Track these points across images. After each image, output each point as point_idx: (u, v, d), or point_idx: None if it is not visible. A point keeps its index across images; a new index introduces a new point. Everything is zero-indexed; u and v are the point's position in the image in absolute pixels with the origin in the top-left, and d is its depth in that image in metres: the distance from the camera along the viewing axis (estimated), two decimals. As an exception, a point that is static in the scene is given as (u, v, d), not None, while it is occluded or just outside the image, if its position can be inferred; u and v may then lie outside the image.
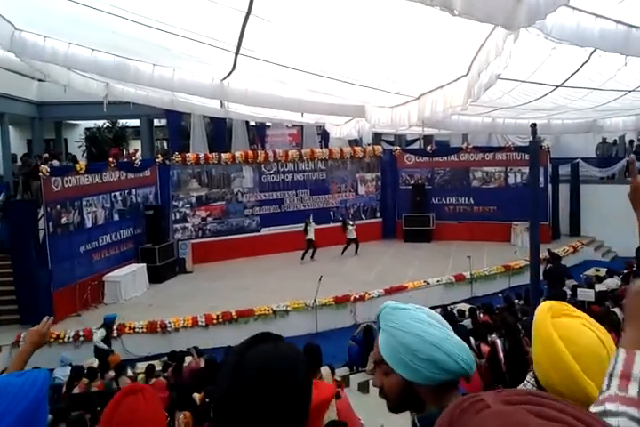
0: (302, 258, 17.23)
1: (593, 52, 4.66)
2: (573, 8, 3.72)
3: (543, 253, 12.58)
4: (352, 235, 17.78)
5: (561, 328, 1.54)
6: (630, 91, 6.21)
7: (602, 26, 3.96)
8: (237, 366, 1.21)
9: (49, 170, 13.08)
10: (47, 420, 1.38)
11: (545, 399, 0.81)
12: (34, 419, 1.28)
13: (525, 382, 3.21)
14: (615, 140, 20.68)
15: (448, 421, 0.85)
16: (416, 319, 1.44)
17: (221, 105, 7.87)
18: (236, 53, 4.31)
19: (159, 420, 1.91)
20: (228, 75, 5.42)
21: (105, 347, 10.45)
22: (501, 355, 7.03)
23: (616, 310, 9.68)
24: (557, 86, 5.82)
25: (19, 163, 17.80)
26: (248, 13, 3.26)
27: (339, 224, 18.34)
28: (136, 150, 20.65)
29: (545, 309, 1.60)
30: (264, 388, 1.18)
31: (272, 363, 1.21)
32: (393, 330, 1.45)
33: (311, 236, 17.27)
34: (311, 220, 17.45)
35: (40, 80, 18.15)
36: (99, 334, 10.40)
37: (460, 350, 1.41)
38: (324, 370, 5.39)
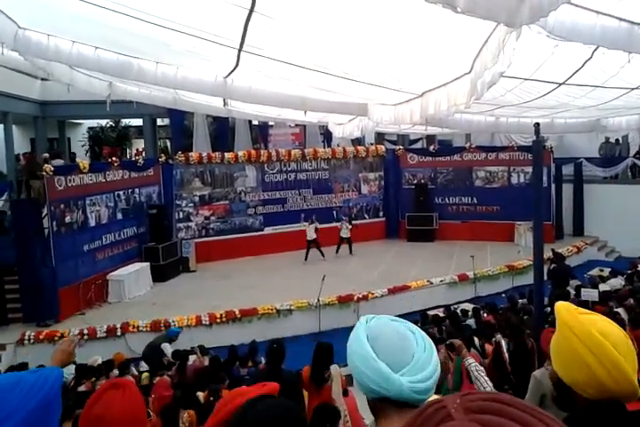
0: (305, 259, 17.23)
1: (596, 50, 4.66)
2: (575, 5, 3.73)
3: (547, 253, 12.56)
4: (346, 234, 17.75)
5: (593, 324, 1.57)
6: (633, 88, 6.20)
7: (604, 23, 3.96)
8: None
9: (52, 169, 13.12)
10: (59, 417, 1.38)
11: (507, 406, 0.79)
12: (45, 416, 1.28)
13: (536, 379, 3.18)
14: (618, 140, 20.62)
15: None
16: (354, 330, 1.52)
17: (224, 104, 7.88)
18: (239, 50, 4.32)
19: (137, 417, 1.86)
20: (232, 72, 5.43)
21: (171, 360, 10.23)
22: (506, 355, 7.01)
23: (620, 310, 9.68)
24: (560, 84, 5.82)
25: (22, 161, 17.83)
26: (251, 10, 3.27)
27: (341, 223, 18.32)
28: (140, 150, 20.64)
29: (566, 307, 1.63)
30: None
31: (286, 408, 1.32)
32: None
33: (309, 237, 17.22)
34: (311, 220, 17.38)
35: (43, 79, 18.17)
36: (168, 349, 10.26)
37: (364, 365, 1.42)
38: (334, 369, 5.40)
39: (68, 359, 2.40)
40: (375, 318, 1.55)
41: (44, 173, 12.89)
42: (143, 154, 18.47)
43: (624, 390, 1.49)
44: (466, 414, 0.78)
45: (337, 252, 17.79)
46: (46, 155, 16.29)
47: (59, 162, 16.02)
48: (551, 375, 1.70)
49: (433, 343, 1.52)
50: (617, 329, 1.58)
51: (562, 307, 1.65)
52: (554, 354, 1.66)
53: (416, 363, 1.43)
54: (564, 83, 5.78)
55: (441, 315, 11.53)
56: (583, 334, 1.55)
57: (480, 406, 0.79)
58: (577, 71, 5.32)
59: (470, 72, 4.50)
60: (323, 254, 17.26)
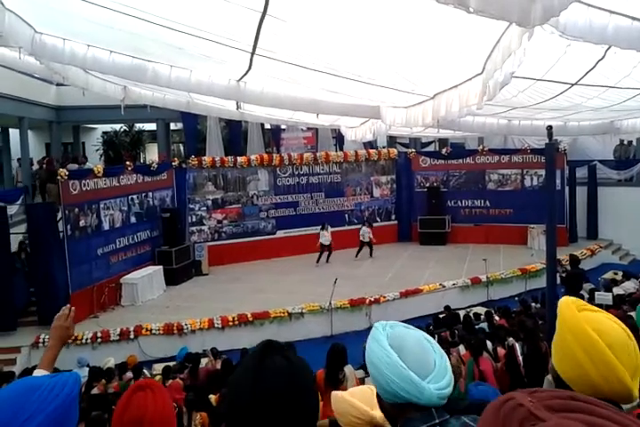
0: (317, 262, 17.25)
1: (608, 49, 4.63)
2: (588, 5, 3.71)
3: (562, 256, 12.49)
4: (365, 238, 17.75)
5: (591, 321, 1.54)
6: (647, 89, 6.15)
7: (617, 22, 3.94)
8: (258, 374, 1.26)
9: (67, 173, 13.25)
10: (76, 421, 1.40)
11: (588, 404, 0.76)
12: (62, 420, 1.30)
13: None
14: (631, 142, 20.46)
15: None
16: (374, 338, 1.56)
17: (237, 107, 7.92)
18: (252, 53, 4.34)
19: (169, 415, 1.89)
20: (244, 75, 5.47)
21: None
22: (520, 359, 6.98)
23: (633, 313, 9.59)
24: (573, 84, 5.78)
25: (35, 166, 18.03)
26: (264, 13, 3.29)
27: (357, 227, 18.35)
28: (164, 155, 20.67)
29: (569, 303, 1.61)
30: (287, 396, 1.24)
31: (292, 373, 1.28)
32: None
33: (323, 241, 17.24)
34: (326, 226, 17.43)
35: (58, 84, 18.39)
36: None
37: (394, 374, 1.46)
38: (348, 369, 5.42)
39: (66, 334, 2.41)
40: (390, 325, 1.59)
41: (59, 178, 13.02)
42: (155, 159, 18.50)
43: (616, 391, 1.46)
44: (552, 413, 0.75)
45: (357, 255, 17.79)
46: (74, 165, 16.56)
47: (73, 167, 16.20)
48: (550, 370, 1.69)
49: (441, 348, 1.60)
50: (619, 329, 1.54)
51: (564, 302, 1.63)
52: (553, 349, 1.65)
53: (439, 370, 1.51)
54: (576, 83, 5.75)
55: (440, 316, 11.65)
56: (577, 330, 1.53)
57: (563, 405, 0.77)
58: (589, 71, 5.29)
59: (482, 73, 4.50)
60: (328, 259, 17.35)
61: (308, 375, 1.35)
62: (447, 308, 12.29)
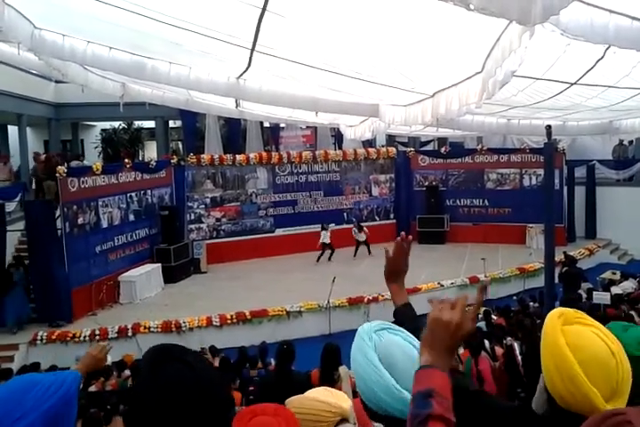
0: (318, 260, 17.26)
1: (607, 49, 4.63)
2: (588, 4, 3.71)
3: (559, 256, 12.49)
4: (361, 238, 17.77)
5: (570, 335, 1.52)
6: (646, 89, 6.16)
7: (617, 22, 3.94)
8: (157, 384, 1.20)
9: (65, 170, 13.23)
10: (74, 421, 1.39)
11: None
12: (59, 419, 1.29)
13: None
14: (631, 142, 20.47)
15: None
16: (361, 350, 1.49)
17: (236, 105, 7.92)
18: (252, 50, 4.34)
19: None
20: (244, 72, 5.46)
21: None
22: (519, 358, 6.98)
23: (632, 313, 9.60)
24: (572, 84, 5.79)
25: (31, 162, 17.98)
26: (264, 9, 3.29)
27: (351, 226, 18.37)
28: (171, 155, 20.56)
29: (556, 315, 1.59)
30: (189, 404, 1.18)
31: (194, 379, 1.22)
32: (351, 354, 1.54)
33: (324, 240, 17.27)
34: (327, 226, 17.45)
35: (57, 82, 18.38)
36: None
37: (386, 394, 1.41)
38: (342, 369, 5.40)
39: (95, 365, 2.35)
40: (375, 330, 1.51)
41: (58, 175, 13.00)
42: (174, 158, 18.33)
43: (585, 409, 1.44)
44: None
45: (355, 255, 17.81)
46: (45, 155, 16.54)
47: (74, 164, 16.21)
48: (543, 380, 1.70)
49: None
50: (601, 347, 1.49)
51: (552, 313, 1.61)
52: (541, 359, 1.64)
53: None
54: (575, 82, 5.75)
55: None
56: (551, 343, 1.52)
57: None
58: (589, 71, 5.30)
59: (482, 71, 4.49)
60: (330, 257, 17.36)
61: (210, 377, 1.27)
62: None
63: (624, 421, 0.75)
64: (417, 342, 1.49)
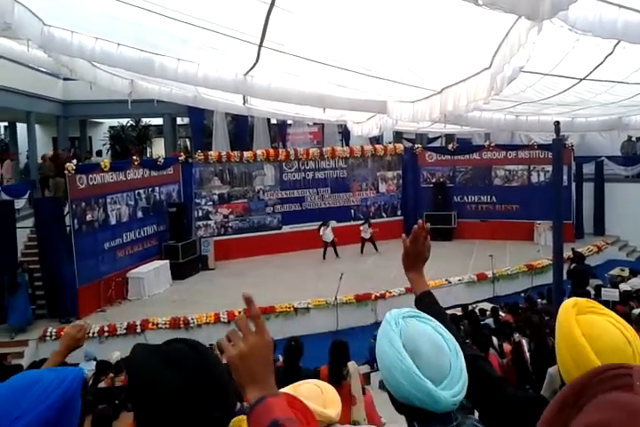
0: (324, 258, 17.28)
1: (617, 44, 4.61)
2: (597, -1, 3.70)
3: (567, 253, 12.44)
4: (366, 235, 17.77)
5: (585, 325, 1.51)
6: (656, 84, 6.12)
7: (626, 17, 3.92)
8: (159, 358, 1.24)
9: (74, 168, 13.29)
10: (77, 417, 1.39)
11: None
12: (60, 416, 1.28)
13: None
14: (638, 138, 20.34)
15: (579, 388, 0.77)
16: (386, 335, 1.44)
17: (244, 102, 7.92)
18: (260, 46, 4.35)
19: None
20: (251, 68, 5.47)
21: None
22: (527, 355, 6.98)
23: (638, 311, 9.56)
24: (581, 79, 5.76)
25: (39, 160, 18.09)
26: (272, 5, 3.29)
27: (359, 222, 18.37)
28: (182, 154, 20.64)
29: (570, 305, 1.58)
30: (190, 378, 1.22)
31: (194, 354, 1.26)
32: (377, 338, 1.49)
33: (326, 238, 17.27)
34: (323, 223, 17.44)
35: (65, 79, 18.44)
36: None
37: (408, 382, 1.36)
38: (352, 365, 5.41)
39: (75, 344, 2.39)
40: (402, 317, 1.47)
41: (66, 171, 13.07)
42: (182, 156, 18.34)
43: None
44: None
45: (362, 252, 17.82)
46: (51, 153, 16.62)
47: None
48: (558, 371, 1.69)
49: (457, 342, 1.49)
50: (617, 336, 1.49)
51: (565, 304, 1.60)
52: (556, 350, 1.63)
53: (454, 374, 1.41)
54: (584, 78, 5.72)
55: (458, 314, 11.49)
56: (566, 336, 1.52)
57: None
58: (598, 66, 5.27)
59: (490, 67, 4.48)
60: (336, 254, 17.39)
61: (210, 356, 1.30)
62: (464, 308, 12.11)
63: (625, 373, 0.75)
64: (447, 334, 1.47)
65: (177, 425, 1.21)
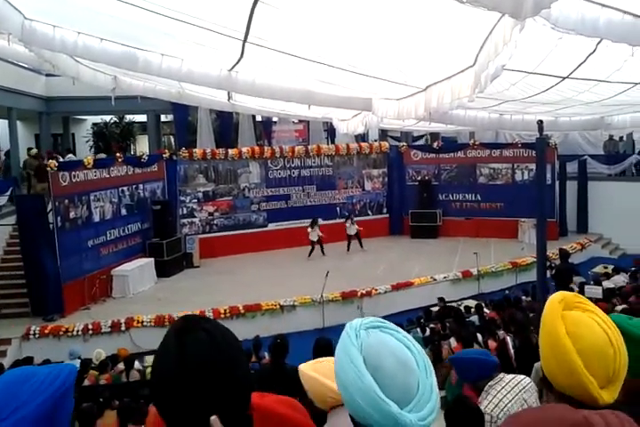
0: (309, 256, 17.28)
1: (599, 43, 4.65)
2: (579, -3, 3.73)
3: (551, 251, 12.55)
4: (352, 231, 17.81)
5: (570, 323, 1.51)
6: (637, 83, 6.19)
7: (608, 16, 3.95)
8: (180, 354, 1.20)
9: (57, 164, 13.16)
10: (70, 413, 1.38)
11: None
12: (54, 411, 1.28)
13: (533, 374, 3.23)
14: (621, 138, 20.59)
15: None
16: (344, 349, 1.29)
17: (229, 98, 7.89)
18: (244, 41, 4.33)
19: None
20: (236, 64, 5.45)
21: None
22: (512, 351, 7.03)
23: (620, 307, 9.67)
24: (564, 78, 5.81)
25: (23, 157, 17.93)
26: (256, 0, 3.28)
27: (343, 220, 18.38)
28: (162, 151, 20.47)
29: (557, 300, 1.57)
30: (211, 373, 1.18)
31: (214, 346, 1.20)
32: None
33: (313, 237, 17.28)
34: (313, 222, 17.43)
35: (48, 75, 18.25)
36: None
37: (367, 403, 1.20)
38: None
39: None
40: (365, 327, 1.32)
41: (49, 169, 12.94)
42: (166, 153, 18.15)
43: (582, 397, 1.45)
44: None
45: (348, 249, 17.84)
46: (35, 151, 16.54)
47: (70, 157, 16.19)
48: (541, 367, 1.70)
49: (428, 358, 1.34)
50: (600, 334, 1.49)
51: (551, 299, 1.59)
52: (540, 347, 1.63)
53: (422, 394, 1.25)
54: (567, 77, 5.77)
55: (435, 308, 11.63)
56: (552, 332, 1.51)
57: None
58: (580, 65, 5.31)
59: (474, 65, 4.50)
60: (323, 252, 17.39)
61: (231, 346, 1.23)
62: (441, 299, 12.27)
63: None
64: (415, 347, 1.32)
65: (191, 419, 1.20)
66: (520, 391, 3.18)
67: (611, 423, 1.02)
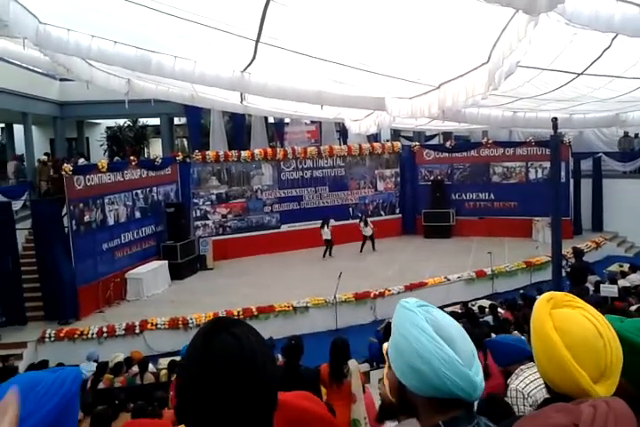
0: (324, 256, 17.30)
1: (615, 38, 4.60)
2: (595, -8, 3.69)
3: (565, 249, 12.44)
4: (367, 232, 17.79)
5: (557, 319, 1.52)
6: (653, 79, 6.11)
7: (624, 10, 3.91)
8: (206, 356, 1.19)
9: (71, 168, 13.27)
10: (77, 420, 1.38)
11: None
12: (62, 418, 1.28)
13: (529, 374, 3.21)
14: (637, 134, 20.37)
15: None
16: (413, 324, 1.35)
17: (241, 100, 7.91)
18: (257, 42, 4.33)
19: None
20: (249, 65, 5.45)
21: None
22: (527, 351, 6.98)
23: (635, 307, 9.56)
24: (579, 74, 5.75)
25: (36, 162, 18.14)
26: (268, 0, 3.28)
27: (356, 221, 18.36)
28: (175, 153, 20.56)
29: (545, 299, 1.59)
30: (236, 376, 1.17)
31: (241, 350, 1.19)
32: (393, 327, 1.42)
33: (326, 236, 17.28)
34: (324, 222, 17.43)
35: (62, 80, 18.42)
36: None
37: (451, 371, 1.30)
38: (352, 363, 5.41)
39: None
40: (423, 306, 1.40)
41: (64, 173, 13.04)
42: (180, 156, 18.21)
43: (573, 392, 1.45)
44: None
45: (361, 250, 17.84)
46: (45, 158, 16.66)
47: (81, 161, 16.32)
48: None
49: None
50: (590, 330, 1.49)
51: (540, 299, 1.61)
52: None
53: (477, 360, 1.38)
54: (582, 73, 5.71)
55: (458, 311, 11.48)
56: (539, 328, 1.53)
57: None
58: (596, 60, 5.26)
59: (488, 62, 4.47)
60: (330, 253, 17.43)
61: (258, 351, 1.22)
62: (464, 304, 12.07)
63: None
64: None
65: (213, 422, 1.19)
66: None
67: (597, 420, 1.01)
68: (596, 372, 1.45)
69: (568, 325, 1.50)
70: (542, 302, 1.58)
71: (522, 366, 3.45)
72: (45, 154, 18.69)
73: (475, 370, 1.34)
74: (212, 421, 1.17)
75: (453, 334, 1.35)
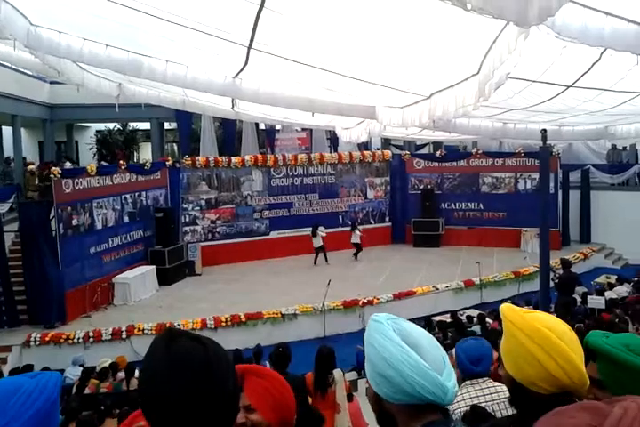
0: (315, 263, 17.27)
1: (604, 52, 4.65)
2: (584, 6, 3.73)
3: (552, 260, 12.50)
4: (355, 240, 17.79)
5: (538, 320, 1.60)
6: (641, 93, 6.19)
7: (613, 24, 3.95)
8: (169, 359, 1.19)
9: (60, 172, 13.18)
10: (58, 423, 1.36)
11: None
12: (43, 423, 1.26)
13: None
14: (625, 147, 20.59)
15: None
16: (381, 333, 1.43)
17: (232, 105, 7.91)
18: (249, 48, 4.34)
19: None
20: (241, 71, 5.46)
21: None
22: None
23: (626, 317, 9.61)
24: (568, 86, 5.81)
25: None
26: (261, 6, 3.28)
27: (348, 228, 18.36)
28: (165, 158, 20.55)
29: (510, 308, 1.68)
30: (203, 379, 1.18)
31: (205, 352, 1.21)
32: (365, 340, 1.48)
33: (317, 244, 17.27)
34: (314, 229, 17.40)
35: (52, 82, 18.33)
36: None
37: (419, 376, 1.36)
38: (337, 373, 5.37)
39: None
40: (389, 318, 1.47)
41: (52, 176, 12.96)
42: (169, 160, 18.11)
43: (575, 380, 1.53)
44: None
45: (355, 257, 17.88)
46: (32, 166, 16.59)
47: (67, 165, 16.20)
48: (504, 377, 1.72)
49: None
50: (562, 324, 1.63)
51: (506, 307, 1.68)
52: (504, 354, 1.68)
53: (448, 365, 1.43)
54: (571, 85, 5.77)
55: (448, 320, 11.50)
56: (530, 329, 1.58)
57: None
58: (585, 73, 5.32)
59: (478, 73, 4.50)
60: (326, 259, 17.34)
61: (222, 354, 1.24)
62: (453, 314, 12.08)
63: None
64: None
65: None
66: (493, 400, 3.13)
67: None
68: (581, 359, 1.57)
69: (549, 323, 1.60)
70: (510, 310, 1.67)
71: (469, 382, 3.35)
72: (31, 163, 18.40)
73: (445, 375, 1.39)
74: (176, 421, 1.17)
75: (421, 341, 1.42)
